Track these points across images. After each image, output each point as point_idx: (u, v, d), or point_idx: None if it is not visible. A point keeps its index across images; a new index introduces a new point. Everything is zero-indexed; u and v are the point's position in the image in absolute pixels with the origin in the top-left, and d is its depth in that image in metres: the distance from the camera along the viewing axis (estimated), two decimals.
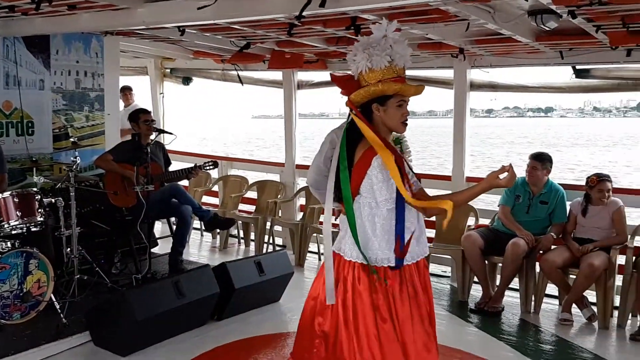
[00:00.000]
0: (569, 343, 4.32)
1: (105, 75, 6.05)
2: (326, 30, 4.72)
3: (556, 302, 5.08)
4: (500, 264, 5.03)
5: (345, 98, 2.62)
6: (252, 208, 7.21)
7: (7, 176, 4.67)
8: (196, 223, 6.78)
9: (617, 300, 4.73)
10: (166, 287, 4.06)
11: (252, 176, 7.72)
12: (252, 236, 6.84)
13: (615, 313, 4.69)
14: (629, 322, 4.61)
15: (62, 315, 4.06)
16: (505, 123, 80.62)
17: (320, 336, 2.56)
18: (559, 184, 5.12)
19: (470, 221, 5.50)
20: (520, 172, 5.07)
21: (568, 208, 4.97)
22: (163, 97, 8.44)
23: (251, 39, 5.65)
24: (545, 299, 4.98)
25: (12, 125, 5.36)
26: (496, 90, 6.10)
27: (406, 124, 2.59)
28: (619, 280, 4.73)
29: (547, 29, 3.90)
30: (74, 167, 4.54)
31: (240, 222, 6.96)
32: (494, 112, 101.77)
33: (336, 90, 2.70)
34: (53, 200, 4.48)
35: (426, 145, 37.00)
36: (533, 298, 4.93)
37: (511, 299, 5.08)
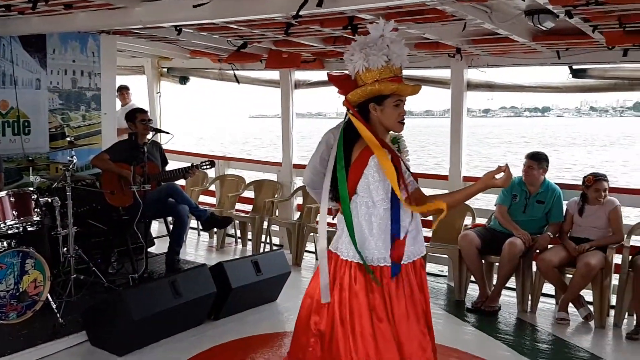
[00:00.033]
0: (565, 342, 4.33)
1: (102, 74, 6.03)
2: (323, 29, 4.72)
3: (553, 301, 5.09)
4: (497, 264, 5.03)
5: (343, 98, 2.62)
6: (249, 207, 7.21)
7: (3, 175, 4.67)
8: (193, 222, 6.78)
9: (613, 300, 4.74)
10: (163, 287, 4.05)
11: (249, 176, 7.72)
12: (249, 236, 6.83)
13: (612, 312, 4.70)
14: (625, 321, 4.62)
15: (58, 315, 4.05)
16: (502, 123, 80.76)
17: (316, 335, 2.57)
18: (556, 183, 5.13)
19: (467, 220, 5.51)
20: (517, 171, 5.09)
21: (564, 207, 4.98)
22: (160, 96, 8.43)
23: (248, 39, 5.64)
24: (541, 298, 4.99)
25: (8, 125, 5.35)
26: (493, 90, 6.10)
27: (403, 124, 2.59)
28: (615, 279, 4.74)
29: (544, 28, 3.91)
30: (71, 166, 4.52)
31: (237, 221, 6.95)
32: (490, 112, 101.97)
33: (333, 89, 2.70)
34: (49, 199, 4.47)
35: (424, 145, 37.03)
36: (530, 297, 4.94)
37: (508, 298, 5.08)
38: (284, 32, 4.88)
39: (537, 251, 4.89)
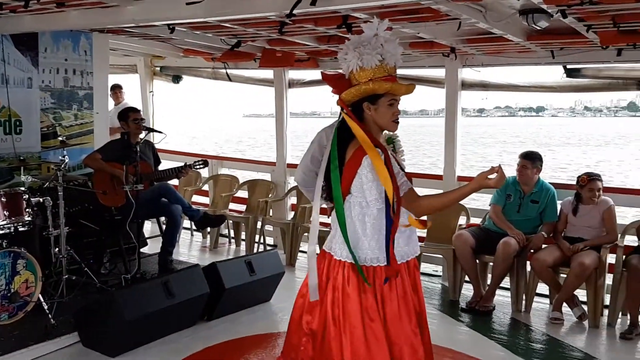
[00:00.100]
0: (559, 342, 4.33)
1: (94, 73, 5.99)
2: (317, 28, 4.70)
3: (547, 301, 5.10)
4: (491, 263, 5.03)
5: (337, 97, 2.61)
6: (242, 207, 7.19)
7: None
8: (186, 222, 6.75)
9: (607, 299, 4.75)
10: (156, 287, 4.03)
11: (243, 175, 7.69)
12: (243, 236, 6.81)
13: (606, 312, 4.71)
14: (619, 320, 4.63)
15: (50, 315, 4.02)
16: (496, 122, 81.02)
17: (308, 334, 2.57)
18: (550, 183, 5.13)
19: (462, 220, 5.51)
20: (512, 171, 5.09)
21: (559, 207, 4.99)
22: (153, 95, 8.40)
23: (242, 37, 5.62)
24: (536, 298, 4.99)
25: None
26: (487, 90, 6.11)
27: (397, 123, 2.59)
28: (609, 279, 4.75)
29: (538, 28, 3.90)
30: (63, 166, 4.49)
31: (230, 221, 6.93)
32: (485, 112, 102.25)
33: (327, 89, 2.69)
34: (41, 199, 4.43)
35: (419, 145, 37.10)
36: (524, 297, 4.94)
37: (502, 298, 5.08)
38: (278, 31, 4.86)
39: (532, 251, 4.89)
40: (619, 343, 4.35)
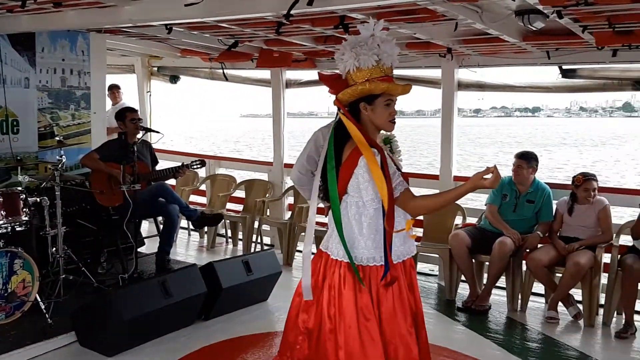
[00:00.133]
0: (555, 341, 4.35)
1: (91, 73, 5.99)
2: (314, 29, 4.72)
3: (542, 300, 5.12)
4: (487, 263, 5.05)
5: (334, 97, 2.62)
6: (240, 207, 7.19)
7: None
8: (183, 222, 6.76)
9: (602, 299, 4.77)
10: (153, 287, 4.03)
11: (240, 175, 7.70)
12: (240, 235, 6.82)
13: (601, 311, 4.73)
14: (614, 320, 4.65)
15: (47, 315, 4.02)
16: (493, 123, 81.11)
17: (303, 333, 2.58)
18: (546, 182, 5.15)
19: (458, 220, 5.52)
20: (508, 171, 5.12)
21: (554, 207, 5.01)
22: (150, 95, 8.39)
23: (239, 38, 5.63)
24: (531, 297, 5.01)
25: None
26: (484, 90, 6.13)
27: (394, 123, 2.60)
28: (604, 278, 4.77)
29: (534, 29, 3.92)
30: (60, 166, 4.49)
31: (228, 221, 6.93)
32: (481, 112, 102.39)
33: (325, 89, 2.70)
34: (38, 199, 4.43)
35: (416, 145, 37.13)
36: (520, 296, 4.96)
37: (498, 298, 5.10)
38: (275, 31, 4.86)
39: (527, 250, 4.91)
40: (614, 342, 4.38)
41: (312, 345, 2.55)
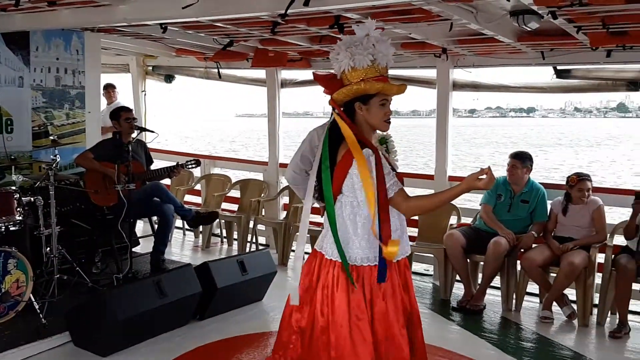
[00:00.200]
0: (549, 340, 4.37)
1: (86, 72, 5.96)
2: (310, 28, 4.71)
3: (537, 300, 5.13)
4: (482, 263, 5.06)
5: (329, 97, 2.62)
6: (235, 207, 7.19)
7: None
8: (178, 222, 6.75)
9: (596, 298, 4.79)
10: (147, 287, 4.02)
11: (236, 175, 7.69)
12: (235, 235, 6.81)
13: (595, 311, 4.74)
14: (608, 319, 4.67)
15: (41, 315, 4.00)
16: (488, 123, 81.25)
17: (297, 332, 2.58)
18: (540, 183, 5.17)
19: (453, 220, 5.53)
20: (503, 171, 5.13)
21: (549, 207, 5.02)
22: (145, 94, 8.37)
23: (234, 37, 5.62)
24: (526, 297, 5.03)
25: None
26: (478, 90, 6.14)
27: (389, 123, 2.61)
28: (598, 278, 4.79)
29: (529, 29, 3.93)
30: (54, 165, 4.48)
31: (223, 221, 6.93)
32: (476, 112, 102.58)
33: (320, 89, 2.70)
34: (32, 199, 4.41)
35: (412, 145, 37.16)
36: (514, 296, 4.97)
37: (492, 297, 5.11)
38: (270, 31, 4.86)
39: (522, 250, 4.92)
40: (608, 342, 4.39)
41: (305, 344, 2.56)
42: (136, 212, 5.13)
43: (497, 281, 5.05)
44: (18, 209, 4.25)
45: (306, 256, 2.71)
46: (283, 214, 6.85)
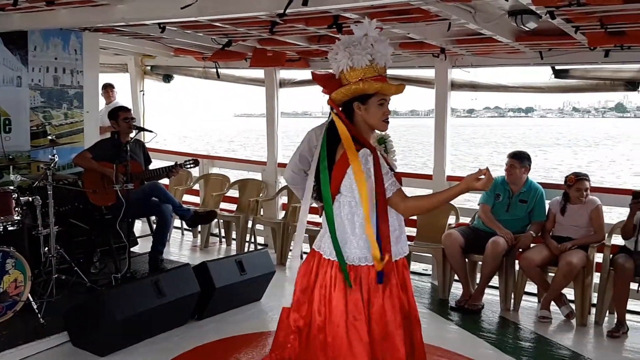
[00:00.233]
0: (547, 340, 4.37)
1: (84, 72, 5.97)
2: (308, 28, 4.72)
3: (535, 299, 5.14)
4: (480, 262, 5.07)
5: (327, 97, 2.62)
6: (233, 207, 7.18)
7: None
8: (177, 222, 6.74)
9: (594, 298, 4.80)
10: (146, 287, 4.02)
11: (234, 175, 7.69)
12: (234, 235, 6.80)
13: (593, 310, 4.75)
14: (606, 319, 4.67)
15: (39, 315, 4.00)
16: (486, 123, 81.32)
17: (294, 332, 2.59)
18: (539, 182, 5.17)
19: (451, 220, 5.53)
20: (501, 171, 5.14)
21: (547, 207, 5.03)
22: (143, 94, 8.37)
23: (233, 37, 5.62)
24: (524, 297, 5.03)
25: None
26: (477, 90, 6.15)
27: (387, 122, 2.61)
28: (596, 278, 4.79)
29: (527, 29, 3.94)
30: (52, 165, 4.47)
31: (221, 221, 6.92)
32: (475, 112, 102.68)
33: (318, 88, 2.70)
34: (30, 198, 4.41)
35: (411, 145, 37.17)
36: (512, 296, 4.97)
37: (491, 297, 5.12)
38: (268, 31, 4.86)
39: (520, 250, 4.93)
40: (606, 341, 4.40)
41: (302, 343, 2.56)
42: (134, 212, 5.13)
43: (495, 281, 5.05)
44: (16, 209, 4.25)
45: (305, 256, 2.71)
46: (281, 214, 6.85)
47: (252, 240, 6.67)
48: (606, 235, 4.80)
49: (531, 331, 4.54)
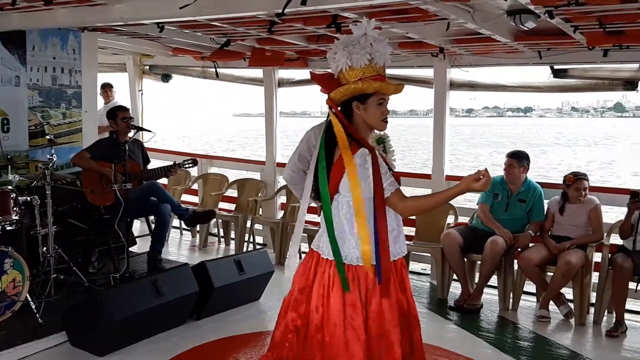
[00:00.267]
0: (546, 339, 4.37)
1: (82, 72, 5.95)
2: (307, 28, 4.71)
3: (534, 299, 5.14)
4: (479, 262, 5.07)
5: (326, 96, 2.62)
6: (232, 206, 7.18)
7: None
8: (175, 221, 6.74)
9: (593, 297, 4.80)
10: (144, 287, 4.01)
11: (233, 174, 7.69)
12: (232, 235, 6.80)
13: (592, 310, 4.76)
14: (604, 318, 4.68)
15: (38, 315, 4.00)
16: (485, 122, 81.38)
17: (292, 331, 2.59)
18: (537, 182, 5.17)
19: (450, 219, 5.53)
20: (501, 171, 5.14)
21: (546, 206, 5.03)
22: (142, 94, 8.36)
23: (231, 37, 5.62)
24: (523, 296, 5.03)
25: None
26: (475, 90, 6.15)
27: (386, 122, 2.61)
28: (595, 277, 4.80)
29: (526, 28, 3.94)
30: (50, 165, 4.47)
31: (220, 220, 6.92)
32: (474, 112, 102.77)
33: (317, 88, 2.70)
34: (29, 198, 4.40)
35: (410, 145, 37.18)
36: (511, 295, 4.98)
37: (490, 297, 5.12)
38: (267, 30, 4.86)
39: (519, 249, 4.93)
40: (604, 340, 4.40)
41: (300, 342, 2.57)
42: (133, 212, 5.12)
43: (494, 280, 5.06)
44: (14, 209, 4.24)
45: (303, 255, 2.71)
46: (280, 214, 6.85)
47: (251, 240, 6.66)
48: (605, 234, 4.80)
49: (530, 330, 4.54)
